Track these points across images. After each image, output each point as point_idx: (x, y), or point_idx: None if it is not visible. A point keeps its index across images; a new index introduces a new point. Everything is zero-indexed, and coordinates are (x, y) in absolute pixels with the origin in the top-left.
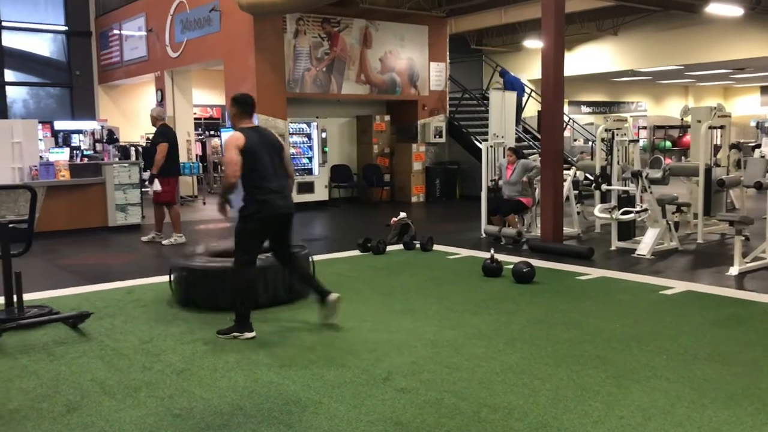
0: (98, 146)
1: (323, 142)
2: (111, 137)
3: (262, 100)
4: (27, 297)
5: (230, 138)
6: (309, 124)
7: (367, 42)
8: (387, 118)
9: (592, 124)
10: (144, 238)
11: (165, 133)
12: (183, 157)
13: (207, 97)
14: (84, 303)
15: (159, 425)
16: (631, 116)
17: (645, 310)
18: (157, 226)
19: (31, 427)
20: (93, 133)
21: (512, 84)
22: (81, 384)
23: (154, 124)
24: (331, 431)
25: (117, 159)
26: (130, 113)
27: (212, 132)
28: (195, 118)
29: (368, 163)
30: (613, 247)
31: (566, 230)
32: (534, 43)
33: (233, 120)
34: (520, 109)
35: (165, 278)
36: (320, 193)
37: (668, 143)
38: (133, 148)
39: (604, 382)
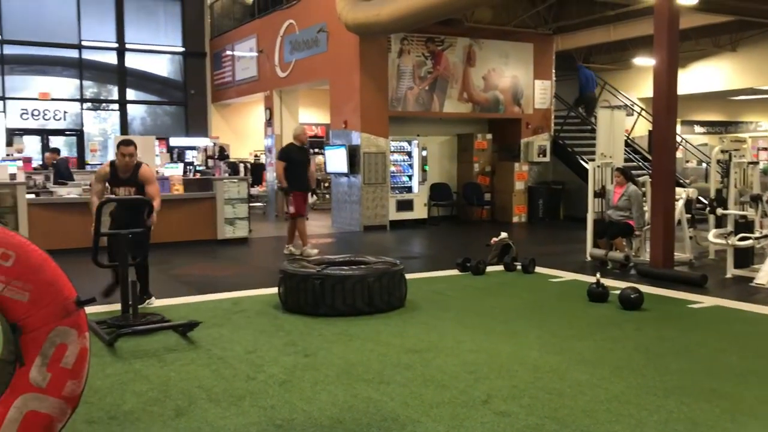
0: (210, 162)
1: (423, 160)
2: (222, 154)
3: (366, 119)
4: (142, 305)
5: None
6: (410, 143)
7: (471, 60)
8: (489, 136)
9: (706, 144)
10: (286, 251)
11: (283, 151)
12: None
13: (312, 115)
14: (193, 312)
15: None
16: (750, 137)
17: (764, 342)
18: (300, 238)
19: (143, 429)
20: (205, 150)
21: (587, 78)
22: (189, 390)
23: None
24: None
25: (227, 174)
26: (240, 131)
27: (317, 150)
28: None
29: (468, 182)
30: (728, 275)
31: (677, 255)
32: (645, 61)
33: None
34: (594, 101)
35: (269, 290)
36: (419, 211)
37: None
38: (242, 165)
39: (719, 417)
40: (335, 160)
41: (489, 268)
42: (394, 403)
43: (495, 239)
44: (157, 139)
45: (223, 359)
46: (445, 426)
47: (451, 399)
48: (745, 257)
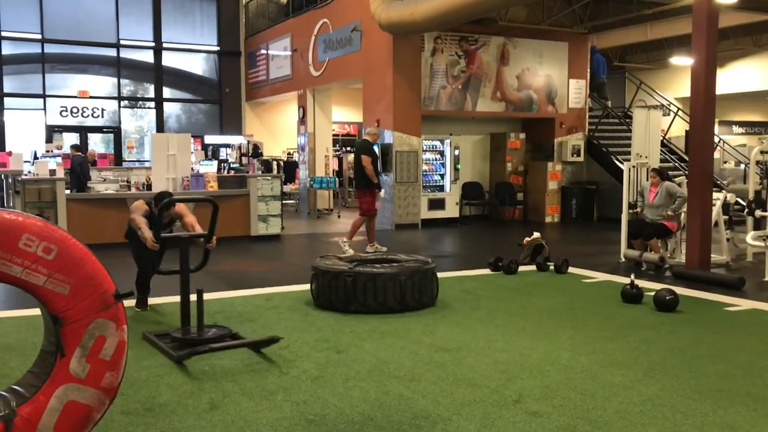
0: (244, 160)
1: (456, 159)
2: (255, 151)
3: (398, 118)
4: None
5: None
6: (442, 142)
7: (505, 59)
8: (522, 135)
9: (744, 145)
10: (368, 249)
11: (368, 148)
12: (320, 172)
13: (345, 114)
14: (227, 307)
15: (294, 429)
16: None
17: None
18: (368, 237)
19: (178, 421)
20: (239, 147)
21: (598, 62)
22: (223, 384)
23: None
24: None
25: (260, 172)
26: (274, 129)
27: (349, 148)
28: (333, 135)
29: (501, 181)
30: (766, 278)
31: (714, 258)
32: (682, 60)
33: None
34: (603, 86)
35: (301, 287)
36: (451, 210)
37: None
38: (275, 162)
39: (756, 421)
40: None
41: (521, 268)
42: (426, 401)
43: (527, 239)
44: (192, 136)
45: (256, 354)
46: (477, 425)
47: (482, 398)
48: None
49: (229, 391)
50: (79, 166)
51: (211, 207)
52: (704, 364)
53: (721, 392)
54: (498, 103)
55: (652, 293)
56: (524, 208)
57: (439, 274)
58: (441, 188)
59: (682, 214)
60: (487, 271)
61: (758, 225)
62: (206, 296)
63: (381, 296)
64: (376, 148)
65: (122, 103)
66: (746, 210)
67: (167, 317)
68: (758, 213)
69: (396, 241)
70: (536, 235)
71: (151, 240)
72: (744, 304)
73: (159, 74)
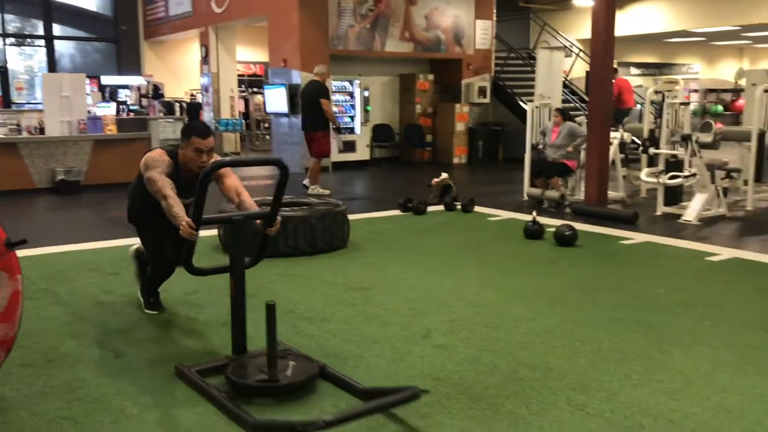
0: (144, 102)
1: (365, 101)
2: (156, 93)
3: (306, 58)
4: (80, 247)
5: None
6: (351, 83)
7: None
8: (431, 77)
9: (641, 86)
10: (313, 190)
11: (324, 89)
12: (226, 114)
13: (250, 53)
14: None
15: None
16: (682, 78)
17: (690, 276)
18: (313, 179)
19: (82, 371)
20: (139, 89)
21: None
22: (130, 334)
23: None
24: (371, 384)
25: (162, 114)
26: (175, 69)
27: (255, 89)
28: (238, 75)
29: (410, 123)
30: (658, 213)
31: (611, 194)
32: (584, 2)
33: None
34: None
35: (209, 232)
36: (362, 153)
37: (720, 107)
38: (177, 104)
39: (646, 346)
40: (275, 100)
41: (430, 208)
42: (336, 339)
43: (436, 180)
44: (87, 77)
45: (164, 301)
46: (386, 360)
47: (392, 334)
48: (675, 195)
49: (135, 339)
50: None
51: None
52: (601, 295)
53: (616, 321)
54: (407, 44)
55: (553, 229)
56: (433, 149)
57: (350, 217)
58: (351, 130)
59: (582, 153)
60: (397, 212)
61: (652, 162)
62: (105, 244)
63: (292, 240)
64: (279, 90)
65: (7, 41)
66: (641, 148)
67: (198, 326)
68: (652, 151)
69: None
70: (444, 176)
71: (187, 225)
72: (638, 237)
73: (48, 9)
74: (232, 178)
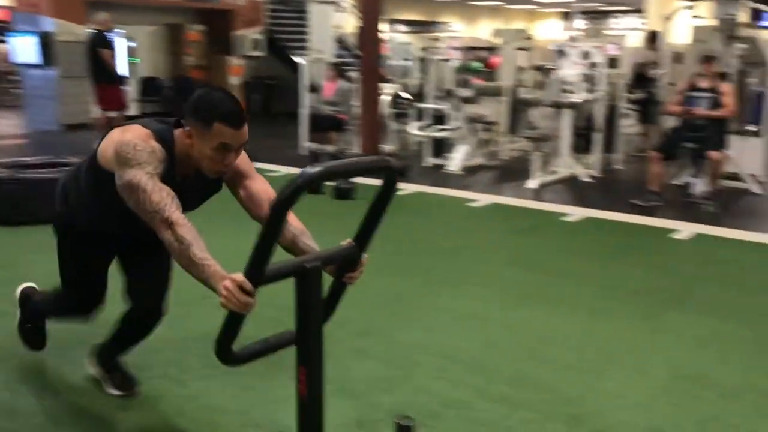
0: None
1: (131, 53)
2: None
3: (58, 3)
4: None
5: None
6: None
7: None
8: (201, 27)
9: (410, 43)
10: None
11: (103, 38)
12: None
13: None
14: None
15: None
16: (445, 36)
17: (455, 221)
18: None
19: None
20: None
21: None
22: None
23: None
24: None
25: None
26: None
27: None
28: None
29: (181, 74)
30: (427, 164)
31: (385, 147)
32: None
33: None
34: None
35: None
36: (130, 107)
37: (479, 64)
38: None
39: (417, 287)
40: (24, 49)
41: None
42: None
43: None
44: None
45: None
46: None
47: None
48: (441, 147)
49: None
50: None
51: None
52: (379, 244)
53: (392, 267)
54: None
55: (333, 184)
56: None
57: None
58: None
59: (352, 108)
60: None
61: (420, 117)
62: None
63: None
64: (29, 38)
65: None
66: (410, 103)
67: None
68: (419, 105)
69: (66, 144)
70: None
71: (237, 287)
72: (409, 187)
73: None
74: (260, 181)
